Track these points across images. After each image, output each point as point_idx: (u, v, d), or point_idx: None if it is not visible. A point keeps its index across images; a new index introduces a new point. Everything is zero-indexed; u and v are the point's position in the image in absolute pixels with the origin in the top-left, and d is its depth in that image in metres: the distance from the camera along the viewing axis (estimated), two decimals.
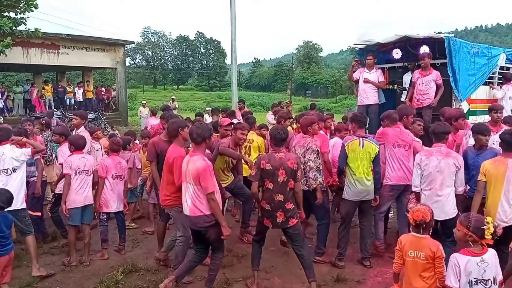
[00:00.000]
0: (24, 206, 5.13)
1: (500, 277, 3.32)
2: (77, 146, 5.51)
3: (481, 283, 3.22)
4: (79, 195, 5.42)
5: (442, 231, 4.78)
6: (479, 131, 4.98)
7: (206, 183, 4.20)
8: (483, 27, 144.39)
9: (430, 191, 4.75)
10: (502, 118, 6.18)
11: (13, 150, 5.11)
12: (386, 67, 8.79)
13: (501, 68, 8.51)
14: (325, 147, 5.86)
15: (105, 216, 5.79)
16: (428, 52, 7.61)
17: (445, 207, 4.70)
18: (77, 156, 5.46)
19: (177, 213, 4.85)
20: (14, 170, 5.04)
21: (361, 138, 5.24)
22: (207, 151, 5.14)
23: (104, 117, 20.52)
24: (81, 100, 22.64)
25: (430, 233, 3.64)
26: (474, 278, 3.22)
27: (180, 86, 70.88)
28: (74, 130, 7.13)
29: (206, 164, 4.26)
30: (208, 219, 4.29)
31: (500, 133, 4.80)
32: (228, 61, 65.80)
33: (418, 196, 4.91)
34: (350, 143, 5.25)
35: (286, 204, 4.52)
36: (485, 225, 3.24)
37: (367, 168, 5.21)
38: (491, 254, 3.30)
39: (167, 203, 4.92)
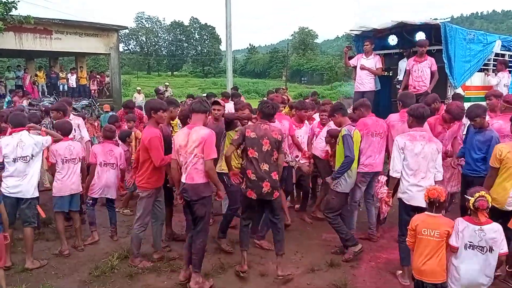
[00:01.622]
0: (37, 194, 5.08)
1: (503, 250, 3.50)
2: (64, 130, 5.42)
3: (477, 248, 3.49)
4: (66, 184, 5.34)
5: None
6: (472, 116, 4.98)
7: (209, 149, 4.30)
8: (479, 14, 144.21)
9: (415, 177, 4.53)
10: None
11: (32, 136, 5.01)
12: (382, 54, 8.76)
13: (496, 54, 8.51)
14: (292, 130, 6.07)
15: (91, 201, 5.78)
16: (425, 39, 7.60)
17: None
18: (64, 144, 5.33)
19: (145, 196, 4.91)
20: (32, 157, 4.95)
21: (355, 128, 5.15)
22: None
23: (98, 104, 20.37)
24: (75, 86, 22.44)
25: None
26: (470, 242, 3.50)
27: (174, 73, 70.51)
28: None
29: (210, 131, 4.38)
30: (202, 189, 4.36)
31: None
32: (223, 47, 65.40)
33: (393, 181, 4.75)
34: (355, 133, 5.07)
35: (272, 173, 4.55)
36: (471, 197, 3.49)
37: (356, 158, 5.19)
38: (493, 227, 3.50)
39: (141, 184, 4.92)
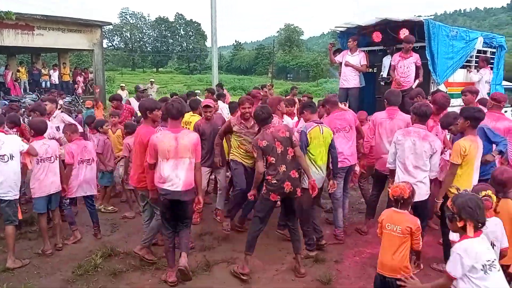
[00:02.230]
0: (17, 195, 5.00)
1: (504, 245, 3.44)
2: (37, 130, 5.30)
3: None
4: (44, 183, 5.22)
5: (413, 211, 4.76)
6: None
7: (199, 152, 4.59)
8: (462, 11, 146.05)
9: (404, 172, 4.71)
10: (476, 100, 6.30)
11: (11, 137, 4.94)
12: (366, 50, 8.81)
13: (479, 51, 8.63)
14: None
15: (68, 201, 5.69)
16: (412, 36, 7.65)
17: (419, 189, 4.63)
18: (38, 143, 5.20)
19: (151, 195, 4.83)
20: (11, 157, 4.87)
21: (319, 125, 5.09)
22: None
23: (81, 100, 20.10)
24: (57, 83, 22.11)
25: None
26: None
27: (159, 69, 69.93)
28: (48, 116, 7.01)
29: (197, 135, 4.66)
30: (193, 191, 4.54)
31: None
32: (208, 43, 65.14)
33: (392, 173, 4.93)
34: (312, 130, 5.03)
35: (290, 173, 4.61)
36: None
37: (326, 155, 5.13)
38: (494, 221, 3.44)
39: (142, 184, 4.84)
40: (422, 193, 4.65)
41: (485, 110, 6.04)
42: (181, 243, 4.65)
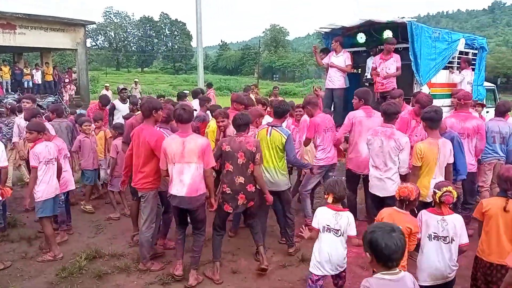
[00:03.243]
0: None
1: (463, 241, 3.60)
2: (43, 130, 5.16)
3: (441, 239, 3.60)
4: (52, 185, 5.12)
5: (380, 204, 4.78)
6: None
7: (209, 158, 4.38)
8: (445, 13, 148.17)
9: (375, 170, 5.04)
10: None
11: None
12: (351, 51, 8.88)
13: (461, 53, 8.76)
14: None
15: (62, 198, 5.62)
16: (393, 37, 7.76)
17: (387, 185, 4.94)
18: (42, 145, 5.07)
19: (152, 197, 4.80)
20: None
21: (270, 127, 5.03)
22: None
23: (64, 100, 19.85)
24: (40, 82, 21.77)
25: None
26: (434, 233, 3.61)
27: (144, 69, 69.42)
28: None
29: (207, 140, 4.55)
30: (202, 197, 4.44)
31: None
32: (194, 43, 64.79)
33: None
34: (259, 132, 5.12)
35: (247, 186, 4.58)
36: (438, 190, 3.62)
37: (277, 158, 5.00)
38: (454, 218, 3.62)
39: (145, 186, 4.76)
40: (389, 189, 4.88)
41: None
42: (192, 258, 4.64)
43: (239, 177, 4.53)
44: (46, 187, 5.02)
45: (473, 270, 3.86)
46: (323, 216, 3.78)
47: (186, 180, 4.34)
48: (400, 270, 2.44)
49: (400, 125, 5.49)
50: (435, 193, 3.65)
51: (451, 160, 4.73)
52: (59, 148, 5.41)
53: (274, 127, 5.02)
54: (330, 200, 3.76)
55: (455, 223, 3.60)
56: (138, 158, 4.78)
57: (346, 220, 3.73)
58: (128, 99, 9.68)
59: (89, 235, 5.95)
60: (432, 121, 4.62)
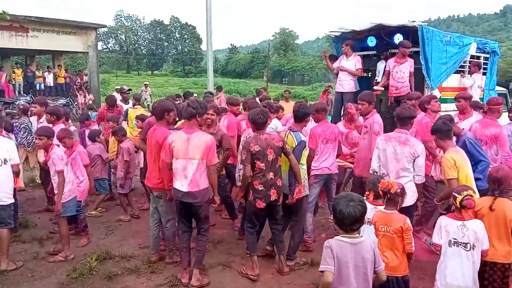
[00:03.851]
0: (11, 200, 4.96)
1: (485, 246, 3.56)
2: (53, 135, 5.25)
3: (461, 245, 3.55)
4: (75, 184, 5.29)
5: None
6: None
7: (213, 155, 4.45)
8: (456, 17, 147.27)
9: (387, 178, 4.60)
10: (470, 104, 6.36)
11: (6, 141, 4.94)
12: (361, 55, 8.86)
13: (472, 57, 8.70)
14: (232, 130, 6.20)
15: (83, 204, 5.78)
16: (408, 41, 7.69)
17: None
18: (59, 148, 5.20)
19: (167, 195, 4.82)
20: (5, 161, 4.88)
21: (288, 131, 5.07)
22: None
23: (76, 103, 20.05)
24: (52, 85, 22.02)
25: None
26: (454, 239, 3.57)
27: (154, 72, 69.88)
28: (36, 119, 7.02)
29: (212, 137, 4.52)
30: (205, 194, 4.46)
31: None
32: (203, 46, 65.13)
33: None
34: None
35: (277, 181, 4.67)
36: (458, 195, 3.59)
37: (287, 162, 4.91)
38: (475, 223, 3.57)
39: (159, 185, 4.81)
40: (406, 199, 4.53)
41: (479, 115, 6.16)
42: (195, 257, 4.66)
43: (270, 173, 4.61)
44: (70, 187, 5.15)
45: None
46: None
47: (189, 175, 4.40)
48: (361, 236, 2.89)
49: (424, 131, 5.36)
50: (455, 197, 3.59)
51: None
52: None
53: (291, 131, 5.02)
54: (371, 197, 3.95)
55: (475, 229, 3.55)
56: (151, 159, 4.86)
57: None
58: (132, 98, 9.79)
59: (99, 236, 6.00)
60: (442, 132, 4.51)
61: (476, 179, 4.56)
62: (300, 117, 5.13)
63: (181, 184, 4.43)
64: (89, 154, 6.33)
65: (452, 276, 3.59)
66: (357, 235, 2.86)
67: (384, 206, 3.76)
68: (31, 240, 5.75)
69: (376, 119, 5.51)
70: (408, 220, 3.65)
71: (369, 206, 3.84)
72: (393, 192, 3.63)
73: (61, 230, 5.20)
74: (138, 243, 5.73)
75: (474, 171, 4.61)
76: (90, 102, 19.41)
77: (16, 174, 5.18)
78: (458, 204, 3.57)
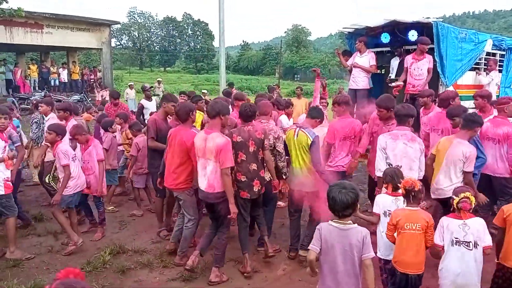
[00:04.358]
0: (2, 192, 5.00)
1: (487, 243, 3.53)
2: (63, 133, 5.36)
3: (463, 244, 3.52)
4: (81, 179, 5.40)
5: None
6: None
7: (225, 158, 4.36)
8: (471, 13, 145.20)
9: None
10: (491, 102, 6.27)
11: None
12: (375, 51, 8.78)
13: (488, 54, 8.58)
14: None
15: (102, 198, 5.91)
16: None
17: None
18: (65, 144, 5.32)
19: (189, 196, 4.89)
20: None
21: (298, 128, 4.98)
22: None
23: (90, 99, 20.25)
24: (66, 81, 22.28)
25: None
26: (456, 238, 3.54)
27: (167, 68, 70.15)
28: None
29: (226, 140, 4.44)
30: (221, 195, 4.47)
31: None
32: (216, 43, 65.20)
33: (380, 180, 4.70)
34: (288, 132, 5.12)
35: (260, 172, 4.76)
36: (456, 197, 3.60)
37: (303, 159, 4.92)
38: (476, 221, 3.57)
39: (179, 186, 4.86)
40: None
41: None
42: (214, 256, 4.72)
43: (252, 164, 4.69)
44: (76, 182, 5.28)
45: (494, 277, 3.83)
46: (384, 202, 4.03)
47: (206, 175, 4.47)
48: (352, 223, 3.00)
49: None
50: (453, 199, 3.61)
51: (468, 169, 4.57)
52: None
53: (301, 128, 4.97)
54: (390, 189, 4.05)
55: (477, 227, 3.54)
56: (173, 159, 4.86)
57: (402, 203, 3.89)
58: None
59: (113, 230, 6.07)
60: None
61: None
62: (313, 116, 5.12)
63: (201, 183, 4.53)
64: (108, 140, 6.75)
65: (455, 274, 3.57)
66: (349, 221, 3.00)
67: (406, 204, 3.76)
68: (46, 234, 5.84)
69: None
70: (431, 216, 3.70)
71: (389, 198, 4.00)
72: (417, 189, 3.66)
73: (59, 220, 5.29)
74: (151, 237, 5.78)
75: None
76: (107, 98, 19.59)
77: (19, 158, 5.38)
78: (455, 206, 3.58)
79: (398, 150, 4.63)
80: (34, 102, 8.24)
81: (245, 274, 4.75)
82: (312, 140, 4.81)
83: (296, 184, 4.97)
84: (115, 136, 7.02)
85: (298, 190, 4.95)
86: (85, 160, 5.68)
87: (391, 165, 4.63)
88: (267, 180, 5.00)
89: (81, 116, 8.36)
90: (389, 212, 3.96)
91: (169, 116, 5.90)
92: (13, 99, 17.24)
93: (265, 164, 4.85)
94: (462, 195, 3.54)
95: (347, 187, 2.96)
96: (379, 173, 4.71)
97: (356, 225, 3.03)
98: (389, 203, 4.02)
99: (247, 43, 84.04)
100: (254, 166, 4.70)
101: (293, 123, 5.37)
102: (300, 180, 4.94)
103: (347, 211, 2.95)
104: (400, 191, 3.85)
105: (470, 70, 8.27)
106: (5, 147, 5.12)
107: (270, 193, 5.27)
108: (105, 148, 6.71)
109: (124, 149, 7.42)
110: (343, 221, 2.98)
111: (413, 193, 3.67)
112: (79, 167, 5.43)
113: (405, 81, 7.73)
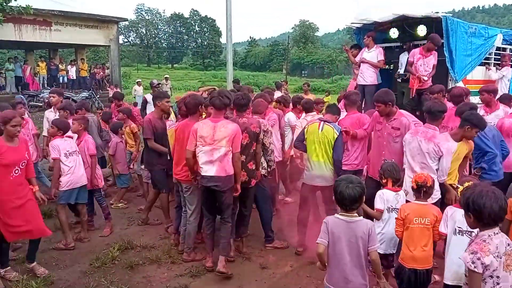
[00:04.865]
0: None
1: None
2: (64, 129, 5.42)
3: (466, 234, 3.46)
4: (77, 175, 5.36)
5: None
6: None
7: (238, 143, 4.54)
8: (480, 8, 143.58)
9: (411, 172, 4.44)
10: (497, 97, 6.22)
11: None
12: (383, 47, 8.71)
13: (498, 48, 8.48)
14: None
15: (103, 193, 5.93)
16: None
17: None
18: (61, 140, 5.35)
19: (196, 188, 4.91)
20: None
21: (322, 122, 5.00)
22: None
23: (98, 96, 20.36)
24: (75, 78, 22.40)
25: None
26: (459, 227, 3.49)
27: (174, 65, 70.31)
28: (53, 108, 7.18)
29: (237, 126, 4.61)
30: (229, 180, 4.55)
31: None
32: (223, 39, 65.19)
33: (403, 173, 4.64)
34: (310, 126, 5.06)
35: (248, 164, 4.84)
36: (461, 186, 3.56)
37: (326, 152, 4.93)
38: None
39: (189, 178, 4.87)
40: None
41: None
42: (220, 244, 4.73)
43: (241, 156, 4.72)
44: (69, 178, 5.28)
45: None
46: (388, 197, 4.08)
47: (215, 161, 4.50)
48: (358, 215, 3.07)
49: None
50: (457, 188, 3.61)
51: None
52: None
53: (326, 122, 4.99)
54: (390, 184, 4.12)
55: None
56: (183, 152, 4.83)
57: (403, 198, 4.04)
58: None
59: (121, 226, 6.10)
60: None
61: (485, 172, 4.88)
62: (334, 111, 5.28)
63: (206, 170, 4.53)
64: (113, 145, 6.80)
65: (457, 264, 3.46)
66: (355, 214, 3.07)
67: (415, 199, 3.79)
68: (55, 230, 5.83)
69: (411, 119, 5.05)
70: (439, 210, 3.71)
71: (391, 193, 4.03)
72: (429, 185, 3.68)
73: (59, 217, 5.36)
74: (159, 233, 5.80)
75: (479, 162, 4.95)
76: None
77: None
78: (459, 195, 3.54)
79: (412, 146, 4.53)
80: (46, 100, 8.27)
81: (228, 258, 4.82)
82: (338, 134, 4.88)
83: (313, 178, 4.99)
84: (121, 141, 7.00)
85: (315, 184, 4.99)
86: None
87: (408, 159, 4.56)
88: (263, 173, 5.12)
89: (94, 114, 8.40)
90: (392, 207, 3.99)
91: (164, 115, 5.92)
92: (21, 96, 17.38)
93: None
94: (466, 184, 3.48)
95: (354, 181, 3.03)
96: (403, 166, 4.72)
97: (361, 217, 3.11)
98: (392, 198, 4.06)
99: (254, 39, 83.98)
100: (242, 158, 4.74)
101: (317, 118, 5.31)
102: (320, 174, 4.95)
103: (354, 205, 3.03)
104: (407, 185, 3.92)
105: (480, 65, 8.19)
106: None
107: (264, 190, 5.33)
108: (111, 154, 6.79)
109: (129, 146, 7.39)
110: (350, 214, 3.04)
111: (424, 189, 3.67)
112: (76, 165, 5.35)
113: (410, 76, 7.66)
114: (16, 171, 4.34)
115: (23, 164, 4.42)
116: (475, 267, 2.51)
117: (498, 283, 2.56)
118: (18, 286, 4.32)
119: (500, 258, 2.55)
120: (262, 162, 5.12)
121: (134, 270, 4.78)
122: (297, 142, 5.32)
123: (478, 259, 2.51)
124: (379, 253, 3.82)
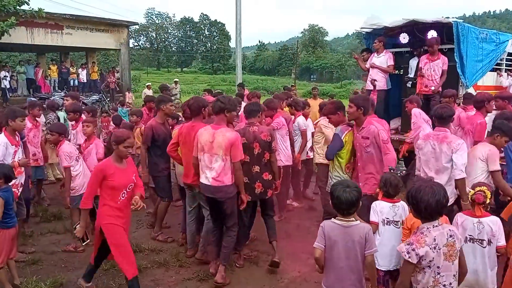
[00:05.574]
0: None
1: (501, 243, 3.51)
2: (64, 132, 5.42)
3: (477, 242, 3.50)
4: (88, 176, 5.27)
5: None
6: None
7: (237, 152, 4.38)
8: (491, 13, 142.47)
9: (426, 177, 4.46)
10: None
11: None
12: (393, 52, 8.68)
13: (509, 54, 8.41)
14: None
15: None
16: (436, 37, 7.48)
17: None
18: (68, 145, 5.36)
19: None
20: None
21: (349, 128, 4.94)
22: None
23: (108, 99, 20.51)
24: (85, 81, 22.59)
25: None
26: (470, 235, 3.52)
27: (184, 69, 70.63)
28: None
29: (236, 134, 4.47)
30: (229, 190, 4.45)
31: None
32: (232, 44, 65.43)
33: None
34: (347, 134, 4.83)
35: (263, 175, 4.74)
36: (472, 190, 3.59)
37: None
38: (491, 220, 3.53)
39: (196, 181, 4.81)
40: None
41: None
42: (221, 253, 4.66)
43: (255, 167, 4.68)
44: (82, 180, 5.26)
45: (505, 273, 3.76)
46: (382, 209, 3.90)
47: (213, 170, 4.43)
48: (354, 220, 3.06)
49: (479, 132, 5.31)
50: (469, 192, 3.62)
51: (491, 167, 4.47)
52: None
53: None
54: (380, 195, 4.00)
55: (491, 225, 3.50)
56: (190, 154, 4.77)
57: (402, 209, 3.86)
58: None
59: (129, 230, 6.07)
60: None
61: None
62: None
63: (205, 178, 4.49)
64: None
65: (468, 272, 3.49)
66: (352, 219, 3.06)
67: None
68: (64, 232, 5.92)
69: (379, 126, 4.73)
70: (447, 218, 3.61)
71: (386, 205, 3.88)
72: (486, 201, 3.56)
73: (73, 220, 5.32)
74: (167, 237, 5.80)
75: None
76: (130, 100, 19.77)
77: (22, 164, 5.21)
78: (470, 199, 3.58)
79: (426, 150, 4.58)
80: (47, 102, 8.38)
81: (274, 262, 4.83)
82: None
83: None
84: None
85: None
86: (85, 158, 5.69)
87: (422, 164, 4.61)
88: (271, 182, 4.88)
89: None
90: (388, 220, 3.83)
91: (168, 118, 5.91)
92: (32, 98, 17.57)
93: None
94: (477, 188, 3.54)
95: (351, 186, 3.04)
96: (416, 172, 4.81)
97: (358, 221, 3.10)
98: (387, 210, 3.87)
99: (263, 43, 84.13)
100: (256, 169, 4.69)
101: (345, 123, 5.04)
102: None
103: (351, 209, 3.03)
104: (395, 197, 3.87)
105: (491, 71, 8.12)
106: (15, 151, 5.05)
107: (270, 199, 5.11)
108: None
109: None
110: (346, 218, 3.04)
111: (482, 205, 3.57)
112: (84, 166, 5.39)
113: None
114: (123, 195, 4.06)
115: (130, 187, 4.10)
116: (409, 257, 2.73)
117: (439, 273, 2.76)
118: (28, 287, 4.35)
119: (439, 249, 2.73)
120: None
121: (142, 273, 4.77)
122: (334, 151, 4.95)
123: (413, 250, 2.71)
124: (384, 270, 3.82)
